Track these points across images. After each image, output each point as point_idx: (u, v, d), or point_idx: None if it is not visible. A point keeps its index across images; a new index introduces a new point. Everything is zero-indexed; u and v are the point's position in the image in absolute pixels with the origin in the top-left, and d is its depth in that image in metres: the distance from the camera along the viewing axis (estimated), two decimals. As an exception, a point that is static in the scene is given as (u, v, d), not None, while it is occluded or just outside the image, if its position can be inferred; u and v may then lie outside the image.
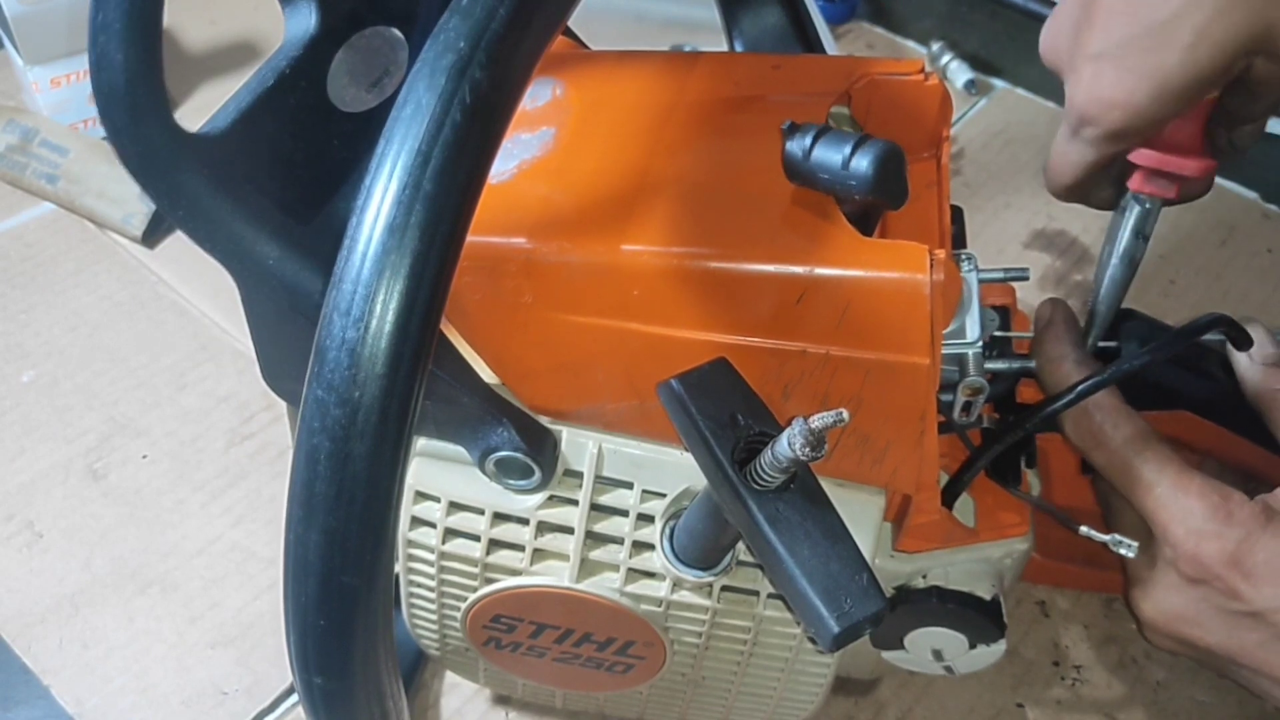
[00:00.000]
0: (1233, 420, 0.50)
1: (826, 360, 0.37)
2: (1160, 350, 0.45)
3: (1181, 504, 0.44)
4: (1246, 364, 0.48)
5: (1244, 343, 0.48)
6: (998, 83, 0.98)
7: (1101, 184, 0.49)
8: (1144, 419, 0.46)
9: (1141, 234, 0.49)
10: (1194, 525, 0.43)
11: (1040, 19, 0.88)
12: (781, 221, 0.38)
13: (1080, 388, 0.45)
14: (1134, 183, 0.48)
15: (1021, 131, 0.93)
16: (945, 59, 0.98)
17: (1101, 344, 0.52)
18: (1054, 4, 0.48)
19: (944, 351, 0.40)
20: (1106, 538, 0.45)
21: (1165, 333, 0.51)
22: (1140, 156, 0.47)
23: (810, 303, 0.37)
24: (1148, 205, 0.49)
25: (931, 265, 0.36)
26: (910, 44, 1.03)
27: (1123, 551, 0.45)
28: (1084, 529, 0.46)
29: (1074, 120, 0.45)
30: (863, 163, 0.35)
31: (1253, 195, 0.88)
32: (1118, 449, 0.46)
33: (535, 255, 0.37)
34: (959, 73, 0.96)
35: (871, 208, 0.39)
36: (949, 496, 0.47)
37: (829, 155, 0.36)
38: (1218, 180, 0.87)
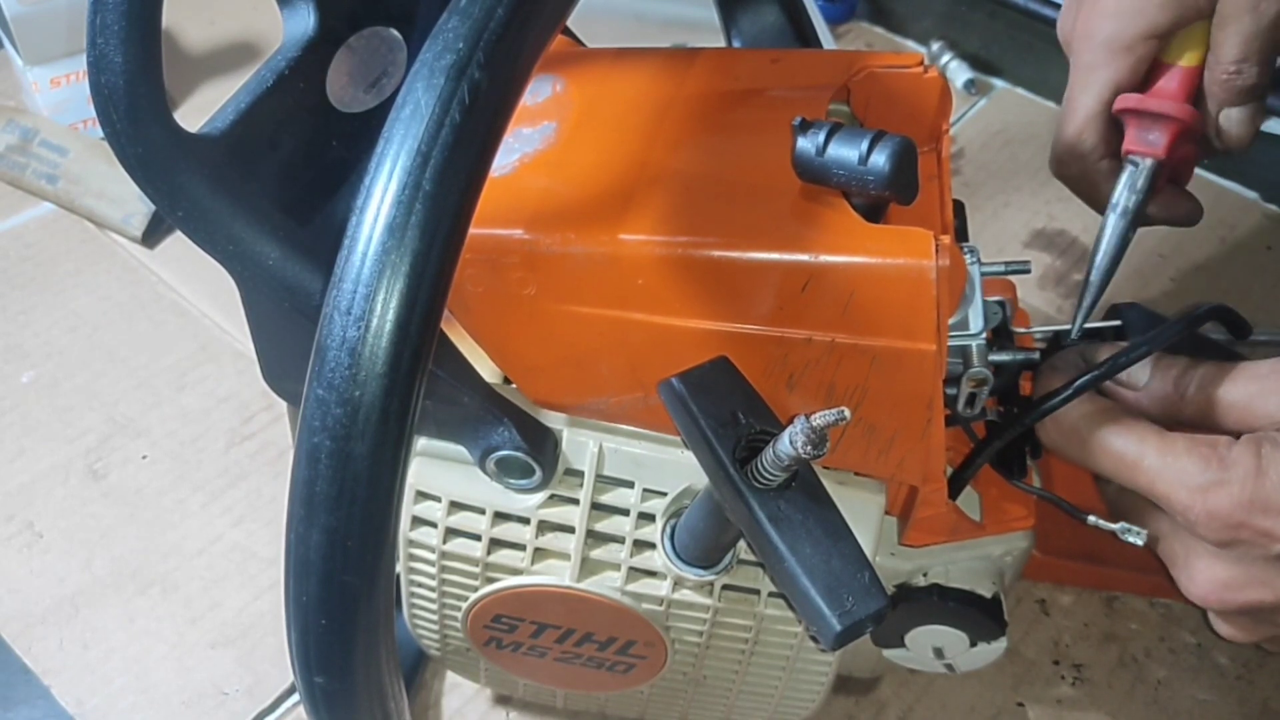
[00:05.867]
0: None
1: (832, 348, 0.37)
2: (1158, 341, 0.45)
3: (1174, 467, 0.42)
4: (1142, 390, 0.46)
5: (1243, 331, 0.48)
6: (997, 83, 0.98)
7: (1104, 140, 0.53)
8: (1109, 400, 0.46)
9: (1136, 189, 0.52)
10: (1194, 483, 0.41)
11: (1040, 18, 0.89)
12: (784, 210, 0.38)
13: (1079, 382, 0.44)
14: (1126, 143, 0.52)
15: (1021, 131, 0.93)
16: (945, 59, 0.97)
17: (1091, 325, 0.52)
18: (1054, 3, 0.49)
19: (949, 343, 0.40)
20: (1115, 526, 0.45)
21: (1164, 323, 0.51)
22: (1127, 100, 0.52)
23: (815, 290, 0.36)
24: (1138, 164, 0.52)
25: (937, 250, 0.36)
26: (910, 44, 1.03)
27: (1131, 539, 0.44)
28: (1092, 518, 0.45)
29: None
30: (880, 158, 0.35)
31: (1253, 195, 0.88)
32: (1094, 438, 0.44)
33: (538, 246, 0.37)
34: (959, 73, 0.96)
35: (878, 203, 0.39)
36: (954, 488, 0.47)
37: (845, 152, 0.36)
38: (1218, 180, 0.88)
